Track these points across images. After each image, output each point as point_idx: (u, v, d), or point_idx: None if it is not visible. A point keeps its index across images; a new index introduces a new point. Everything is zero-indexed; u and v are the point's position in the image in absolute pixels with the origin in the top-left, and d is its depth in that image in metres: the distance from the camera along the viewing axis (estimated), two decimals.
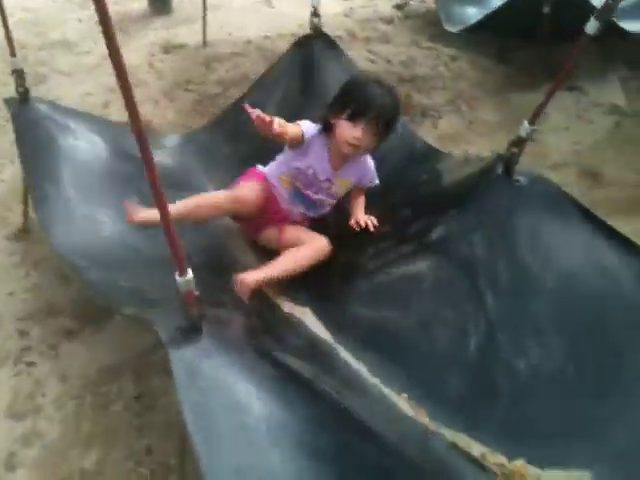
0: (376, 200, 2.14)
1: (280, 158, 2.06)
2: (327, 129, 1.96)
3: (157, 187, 1.05)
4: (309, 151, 1.96)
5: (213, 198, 1.95)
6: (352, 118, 1.87)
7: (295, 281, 1.89)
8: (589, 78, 3.56)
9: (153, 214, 1.67)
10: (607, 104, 3.34)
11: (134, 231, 1.88)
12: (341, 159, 1.99)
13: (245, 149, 2.47)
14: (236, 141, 2.54)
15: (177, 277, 1.15)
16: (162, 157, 2.40)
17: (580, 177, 2.79)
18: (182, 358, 1.18)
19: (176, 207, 1.82)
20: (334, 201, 2.10)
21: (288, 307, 1.86)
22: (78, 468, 1.59)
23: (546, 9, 3.39)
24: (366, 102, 1.86)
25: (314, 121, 1.99)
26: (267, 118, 1.73)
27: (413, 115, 3.28)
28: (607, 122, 3.22)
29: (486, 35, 3.96)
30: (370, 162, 2.09)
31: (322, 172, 1.99)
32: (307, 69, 2.58)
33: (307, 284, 1.92)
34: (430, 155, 2.26)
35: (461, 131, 3.23)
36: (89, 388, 1.80)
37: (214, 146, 2.58)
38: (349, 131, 1.88)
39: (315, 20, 2.54)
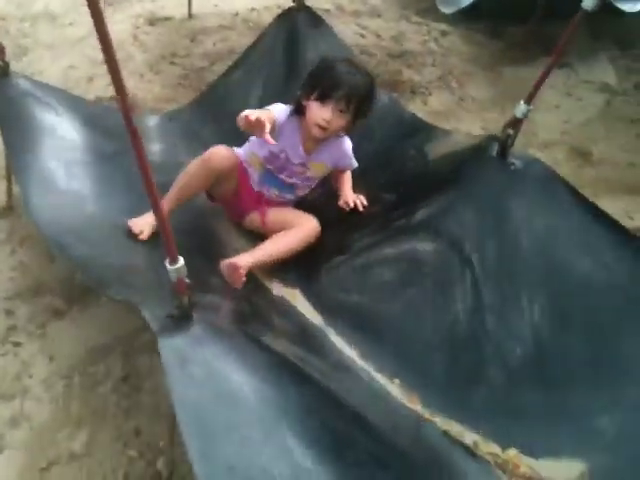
0: (363, 177, 2.12)
1: (253, 139, 1.99)
2: (299, 112, 1.91)
3: (145, 166, 1.03)
4: (281, 135, 1.89)
5: (188, 170, 1.89)
6: (321, 99, 1.82)
7: (284, 262, 1.88)
8: (579, 55, 3.53)
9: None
10: (597, 82, 3.32)
11: (119, 209, 1.85)
12: (314, 142, 1.94)
13: (227, 129, 2.42)
14: (218, 121, 2.49)
15: (168, 265, 1.13)
16: (143, 137, 2.35)
17: (570, 156, 2.79)
18: (172, 347, 1.16)
19: (169, 197, 1.84)
20: (311, 184, 2.07)
21: (277, 289, 1.85)
22: (66, 450, 1.58)
23: None
24: (334, 81, 1.80)
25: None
26: (254, 118, 1.67)
27: (402, 92, 3.25)
28: (597, 100, 3.21)
29: (476, 15, 3.91)
30: (347, 145, 2.03)
31: (295, 156, 1.95)
32: (291, 43, 2.55)
33: (296, 265, 1.91)
34: (419, 128, 2.23)
35: (451, 108, 3.20)
36: (77, 368, 1.78)
37: (196, 126, 2.54)
38: (318, 112, 1.83)
39: None
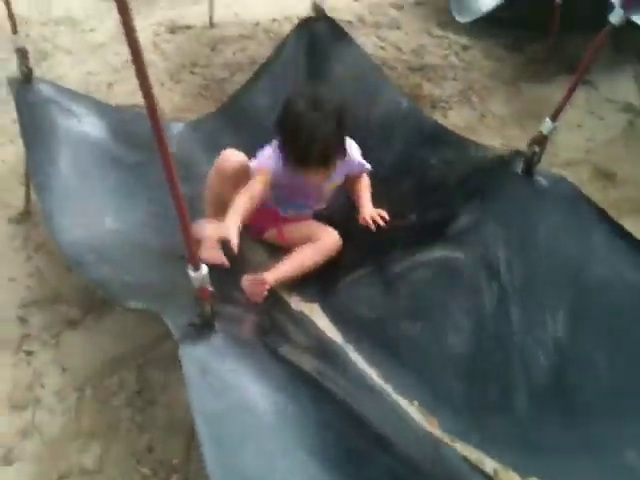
0: (383, 187, 2.06)
1: (267, 153, 1.91)
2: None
3: (172, 174, 1.01)
4: (283, 179, 1.87)
5: (208, 184, 1.93)
6: (300, 163, 1.79)
7: (304, 276, 1.86)
8: (601, 72, 3.48)
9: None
10: (620, 101, 3.27)
11: (141, 225, 1.84)
12: None
13: (248, 140, 2.41)
14: (240, 131, 2.47)
15: (191, 272, 1.11)
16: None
17: (593, 176, 2.74)
18: (193, 356, 1.15)
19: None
20: (324, 203, 2.06)
21: (295, 303, 1.82)
22: (77, 464, 1.56)
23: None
24: (304, 142, 1.73)
25: None
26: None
27: (422, 105, 3.21)
28: (620, 120, 3.15)
29: (499, 26, 3.88)
30: (354, 154, 1.97)
31: (303, 190, 1.95)
32: (312, 53, 2.52)
33: (316, 278, 1.89)
34: (440, 136, 2.17)
35: (471, 123, 3.16)
36: (91, 380, 1.76)
37: (218, 136, 2.52)
38: (307, 177, 1.82)
39: (317, 1, 2.48)
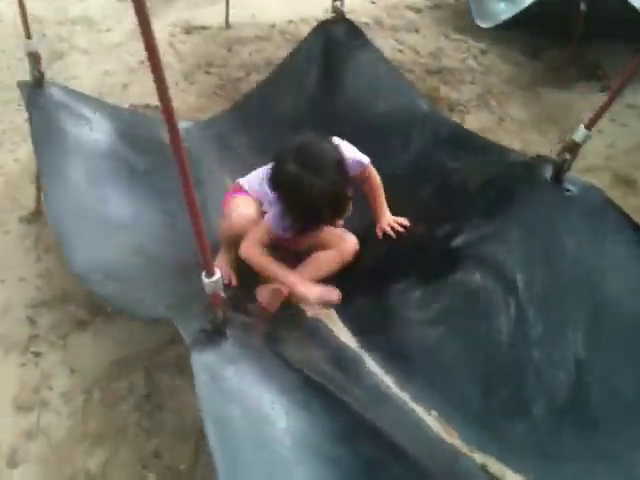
0: (402, 190, 2.01)
1: (259, 179, 1.89)
2: None
3: (187, 180, 0.98)
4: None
5: (221, 230, 1.91)
6: (313, 228, 1.79)
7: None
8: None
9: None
10: None
11: (151, 237, 1.83)
12: None
13: (261, 139, 2.39)
14: (251, 131, 2.47)
15: (204, 278, 1.09)
16: None
17: (614, 182, 2.68)
18: (204, 362, 1.13)
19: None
20: None
21: (311, 310, 1.77)
22: (83, 468, 1.53)
23: (583, 5, 3.26)
24: (313, 215, 1.69)
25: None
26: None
27: (440, 109, 3.16)
28: None
29: (517, 31, 3.83)
30: (347, 155, 1.76)
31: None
32: (329, 55, 2.50)
33: (333, 285, 1.84)
34: (462, 139, 2.11)
35: (490, 127, 3.11)
36: (98, 383, 1.73)
37: (229, 135, 2.50)
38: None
39: (337, 4, 2.45)
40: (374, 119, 2.28)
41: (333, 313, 1.76)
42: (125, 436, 1.61)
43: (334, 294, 1.79)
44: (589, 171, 2.72)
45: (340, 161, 1.67)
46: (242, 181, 1.96)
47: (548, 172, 1.67)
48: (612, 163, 2.81)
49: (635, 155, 2.87)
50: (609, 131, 3.05)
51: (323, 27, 2.53)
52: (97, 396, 1.70)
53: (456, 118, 3.14)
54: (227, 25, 3.87)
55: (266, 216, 1.81)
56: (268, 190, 1.74)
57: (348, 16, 2.55)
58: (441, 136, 2.15)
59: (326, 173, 1.61)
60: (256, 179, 1.92)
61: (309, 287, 1.76)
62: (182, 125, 2.54)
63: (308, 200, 1.61)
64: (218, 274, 1.10)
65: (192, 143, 2.40)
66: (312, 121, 2.33)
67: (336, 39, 2.49)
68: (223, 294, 1.13)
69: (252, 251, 1.77)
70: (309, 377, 1.34)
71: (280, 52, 3.41)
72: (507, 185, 1.81)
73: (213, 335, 1.18)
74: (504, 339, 1.54)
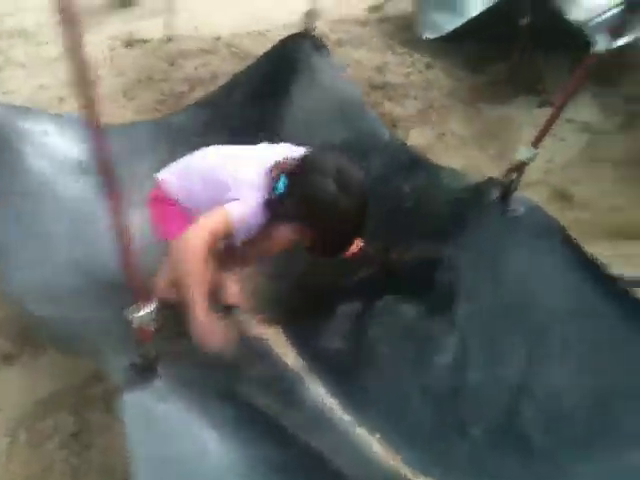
0: None
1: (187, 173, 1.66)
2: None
3: (117, 206, 0.94)
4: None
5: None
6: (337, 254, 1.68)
7: (269, 300, 1.82)
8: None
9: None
10: (580, 121, 3.27)
11: (89, 257, 1.77)
12: None
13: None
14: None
15: (131, 312, 1.03)
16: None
17: (551, 197, 2.73)
18: (135, 402, 1.08)
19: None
20: None
21: (258, 327, 1.74)
22: None
23: (524, 20, 3.33)
24: (344, 239, 1.63)
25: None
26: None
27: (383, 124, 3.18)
28: (580, 140, 3.16)
29: (463, 44, 3.88)
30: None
31: None
32: (291, 73, 2.44)
33: (280, 303, 1.85)
34: (416, 165, 2.11)
35: (432, 143, 3.13)
36: (24, 423, 1.65)
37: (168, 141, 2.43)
38: None
39: (308, 21, 2.41)
40: (335, 143, 2.25)
41: (280, 331, 1.74)
42: (51, 475, 1.54)
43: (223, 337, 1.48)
44: (528, 186, 2.74)
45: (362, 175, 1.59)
46: (167, 180, 1.67)
47: (496, 194, 1.69)
48: (550, 178, 2.87)
49: (572, 170, 2.93)
50: (548, 146, 3.09)
51: (289, 43, 2.47)
52: (22, 438, 1.62)
53: (400, 133, 3.15)
54: (169, 38, 3.81)
55: (230, 210, 1.50)
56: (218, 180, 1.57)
57: (290, 30, 2.52)
58: (400, 163, 2.15)
59: (359, 199, 1.55)
60: (185, 175, 1.67)
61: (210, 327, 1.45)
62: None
63: (337, 222, 1.54)
64: (151, 305, 1.03)
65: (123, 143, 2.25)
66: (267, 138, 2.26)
67: (299, 56, 2.45)
68: (152, 327, 1.06)
69: (198, 257, 1.42)
70: (249, 406, 1.32)
71: (226, 66, 3.37)
72: (457, 207, 1.82)
73: (143, 372, 1.13)
74: (446, 362, 1.55)
